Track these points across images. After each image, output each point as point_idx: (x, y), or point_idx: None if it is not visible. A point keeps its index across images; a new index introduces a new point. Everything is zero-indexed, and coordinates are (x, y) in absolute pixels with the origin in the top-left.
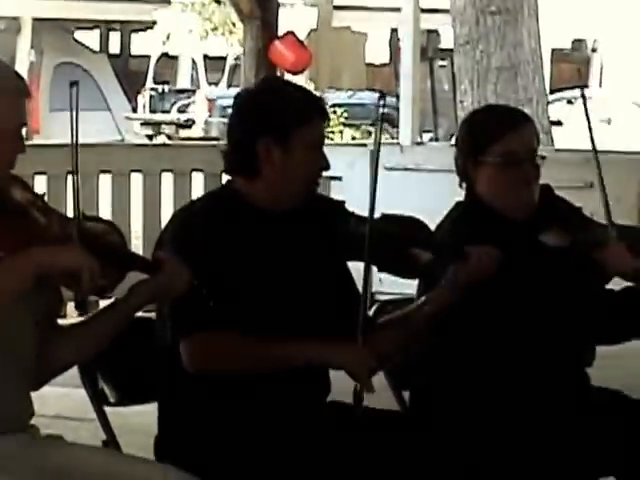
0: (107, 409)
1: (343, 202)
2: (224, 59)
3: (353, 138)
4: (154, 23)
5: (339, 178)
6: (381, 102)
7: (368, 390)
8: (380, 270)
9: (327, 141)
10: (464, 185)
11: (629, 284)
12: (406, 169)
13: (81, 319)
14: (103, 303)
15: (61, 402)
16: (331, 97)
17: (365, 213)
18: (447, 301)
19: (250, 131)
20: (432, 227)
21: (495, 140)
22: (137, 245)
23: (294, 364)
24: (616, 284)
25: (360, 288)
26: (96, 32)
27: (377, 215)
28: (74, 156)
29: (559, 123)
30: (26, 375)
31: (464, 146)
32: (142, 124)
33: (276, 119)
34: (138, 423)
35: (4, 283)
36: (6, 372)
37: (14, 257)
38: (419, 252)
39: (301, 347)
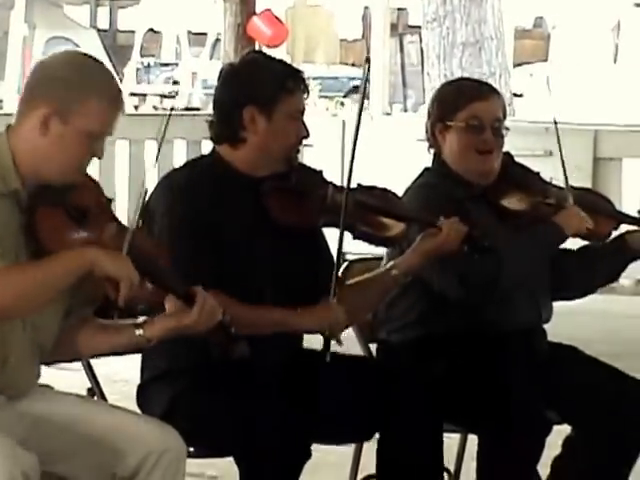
0: (93, 359)
1: (321, 171)
2: (206, 34)
3: (327, 109)
4: None
5: (311, 145)
6: (366, 67)
7: (338, 343)
8: (355, 237)
9: None
10: (432, 151)
11: (585, 243)
12: (376, 138)
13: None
14: None
15: None
16: (307, 70)
17: (335, 176)
18: (413, 266)
19: (236, 100)
20: (400, 191)
21: (462, 107)
22: (122, 207)
23: (275, 329)
24: (574, 244)
25: (333, 250)
26: (85, 8)
27: (353, 185)
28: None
29: (520, 95)
30: (43, 355)
31: (434, 112)
32: (129, 95)
33: (261, 89)
34: (122, 373)
35: (55, 276)
36: (27, 353)
37: (68, 253)
38: (392, 222)
39: (282, 315)
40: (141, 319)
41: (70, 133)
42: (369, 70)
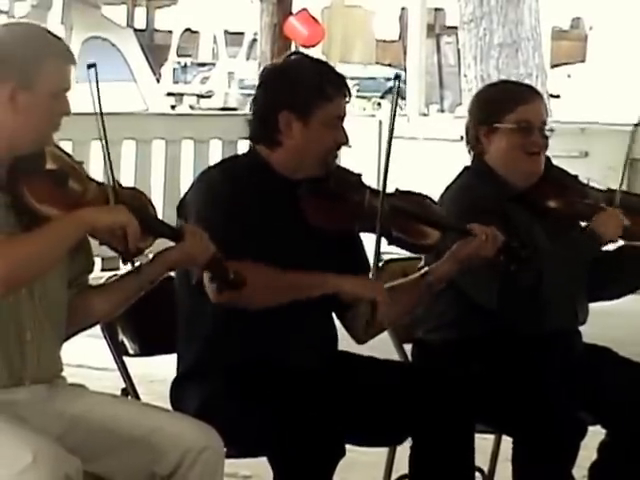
0: (127, 359)
1: (360, 175)
2: (243, 34)
3: (364, 109)
4: None
5: (349, 146)
6: (395, 83)
7: (385, 302)
8: (390, 243)
9: None
10: (472, 153)
11: (621, 244)
12: (412, 139)
13: (109, 279)
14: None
15: (85, 352)
16: (343, 71)
17: (372, 176)
18: (448, 273)
19: (273, 104)
20: (435, 192)
21: (511, 109)
22: (157, 208)
23: (314, 293)
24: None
25: (370, 255)
26: (123, 8)
27: (391, 190)
28: (101, 129)
29: (557, 96)
30: (58, 330)
31: (479, 115)
32: (166, 94)
33: (298, 95)
34: (156, 373)
35: (57, 240)
36: (41, 327)
37: (64, 216)
38: (428, 229)
39: (322, 277)
40: (136, 264)
41: (38, 99)
42: (399, 84)
